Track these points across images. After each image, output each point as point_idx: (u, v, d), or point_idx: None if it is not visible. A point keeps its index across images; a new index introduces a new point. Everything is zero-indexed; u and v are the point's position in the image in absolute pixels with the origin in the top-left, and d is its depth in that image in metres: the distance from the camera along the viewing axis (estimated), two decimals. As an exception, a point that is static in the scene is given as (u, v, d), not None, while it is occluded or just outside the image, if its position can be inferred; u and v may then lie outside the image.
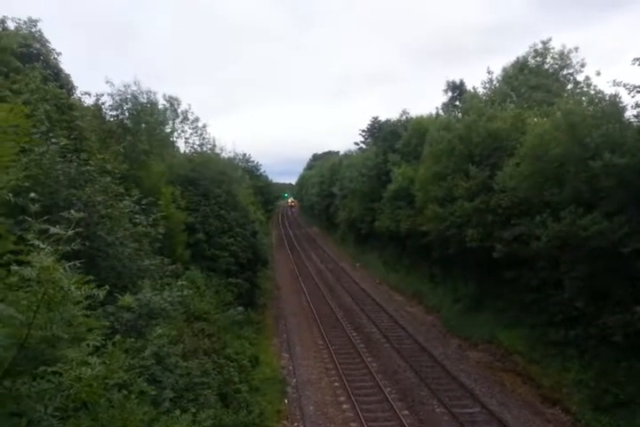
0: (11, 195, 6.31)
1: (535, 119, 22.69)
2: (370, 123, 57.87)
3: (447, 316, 26.12)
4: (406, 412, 16.33)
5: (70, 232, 4.17)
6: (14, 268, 3.92)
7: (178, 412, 6.20)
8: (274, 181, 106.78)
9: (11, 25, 15.23)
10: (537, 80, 29.88)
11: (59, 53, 16.42)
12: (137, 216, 11.83)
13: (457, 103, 37.42)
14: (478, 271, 25.02)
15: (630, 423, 14.16)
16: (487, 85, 33.49)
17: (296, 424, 15.96)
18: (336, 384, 18.75)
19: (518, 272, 20.38)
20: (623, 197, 15.65)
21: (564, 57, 31.33)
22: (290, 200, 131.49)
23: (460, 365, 20.40)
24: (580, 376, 16.56)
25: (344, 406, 16.94)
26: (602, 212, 16.10)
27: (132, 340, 6.85)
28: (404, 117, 43.14)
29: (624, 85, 15.97)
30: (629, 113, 16.92)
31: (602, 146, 15.97)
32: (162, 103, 31.25)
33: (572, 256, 17.36)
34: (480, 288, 24.88)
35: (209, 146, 34.94)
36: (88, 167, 10.36)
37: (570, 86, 30.66)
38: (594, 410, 15.35)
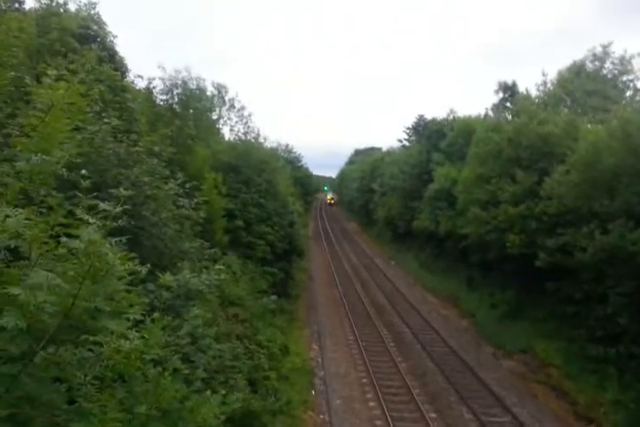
0: (64, 170, 6.51)
1: (589, 126, 21.91)
2: (415, 120, 57.08)
3: (482, 322, 25.57)
4: (433, 415, 16.12)
5: (119, 209, 4.24)
6: (64, 239, 4.00)
7: (209, 392, 6.25)
8: (314, 173, 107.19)
9: (72, 7, 15.67)
10: (594, 85, 28.80)
11: (115, 36, 16.78)
12: (180, 199, 12.03)
13: (507, 105, 36.51)
14: (518, 279, 24.41)
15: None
16: (541, 88, 32.64)
17: (322, 416, 16.01)
18: (364, 380, 18.67)
19: (560, 283, 19.79)
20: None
21: (624, 62, 30.01)
22: (329, 197, 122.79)
23: (493, 373, 19.92)
24: (619, 396, 15.94)
25: (370, 403, 16.86)
26: (653, 226, 15.46)
27: (170, 318, 6.95)
28: (450, 117, 42.41)
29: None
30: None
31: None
32: (210, 90, 31.75)
33: (618, 270, 16.77)
34: (519, 296, 24.27)
35: (253, 134, 35.30)
36: (137, 148, 10.57)
37: (629, 93, 29.42)
38: (632, 433, 14.77)
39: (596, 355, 17.56)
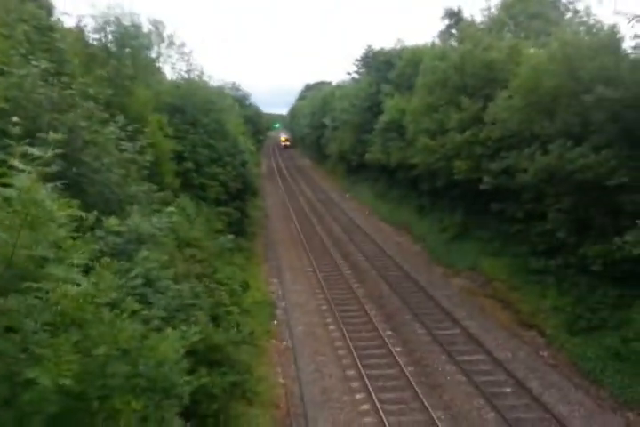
0: (-12, 117, 6.23)
1: (531, 50, 22.02)
2: (364, 52, 55.59)
3: (433, 245, 26.82)
4: (390, 333, 17.30)
5: (50, 153, 4.15)
6: (-3, 188, 3.95)
7: (169, 330, 6.46)
8: (265, 111, 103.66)
9: None
10: (536, 8, 28.63)
11: (34, -30, 15.28)
12: (123, 143, 11.70)
13: (454, 32, 36.02)
14: (465, 203, 25.44)
15: (599, 345, 15.16)
16: (485, 13, 32.10)
17: (285, 343, 16.91)
18: (323, 307, 19.63)
19: (504, 204, 20.75)
20: (613, 131, 15.65)
21: (566, -18, 29.79)
22: (283, 137, 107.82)
23: (443, 291, 21.26)
24: (557, 303, 17.36)
25: (331, 327, 17.87)
26: (590, 145, 16.15)
27: (122, 263, 7.01)
28: (398, 46, 41.57)
29: (624, 14, 15.42)
30: (627, 44, 16.50)
31: (596, 79, 15.74)
32: (146, 27, 29.72)
33: (557, 189, 17.63)
34: (466, 219, 25.41)
35: (196, 73, 33.72)
36: (70, 91, 10.09)
37: (569, 15, 29.45)
38: (568, 333, 16.29)
39: (538, 267, 18.88)
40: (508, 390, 13.87)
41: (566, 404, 13.26)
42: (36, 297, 3.81)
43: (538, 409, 12.96)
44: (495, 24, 28.89)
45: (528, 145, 18.75)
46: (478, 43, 23.99)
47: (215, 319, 12.43)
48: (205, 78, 34.08)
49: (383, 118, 35.82)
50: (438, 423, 12.24)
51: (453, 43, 30.92)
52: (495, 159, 20.79)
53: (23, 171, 4.04)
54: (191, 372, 7.68)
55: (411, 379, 14.16)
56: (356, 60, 57.45)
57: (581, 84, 16.39)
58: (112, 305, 4.88)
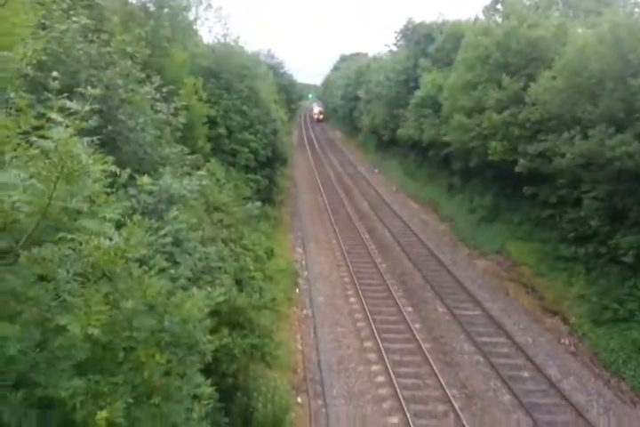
0: (29, 68, 6.28)
1: (579, 30, 21.05)
2: (404, 24, 53.98)
3: (460, 225, 26.51)
4: (410, 309, 17.33)
5: (87, 107, 4.16)
6: (34, 139, 4.01)
7: (195, 289, 6.56)
8: (298, 80, 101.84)
9: None
10: (587, -14, 27.21)
11: None
12: (158, 104, 11.75)
13: (499, 7, 34.54)
14: (497, 185, 24.96)
15: (624, 337, 14.85)
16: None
17: (305, 311, 17.14)
18: (346, 280, 19.75)
19: (538, 188, 20.30)
20: (659, 119, 14.99)
21: (621, -41, 27.97)
22: (316, 110, 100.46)
23: (467, 271, 21.09)
24: (584, 291, 17.06)
25: (351, 299, 18.01)
26: (633, 133, 15.62)
27: (152, 221, 7.11)
28: (440, 20, 40.22)
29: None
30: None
31: (645, 63, 15.01)
32: (184, -13, 29.30)
33: (594, 176, 17.15)
34: (497, 201, 24.97)
35: (232, 38, 33.33)
36: (109, 49, 10.12)
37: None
38: (592, 323, 16.05)
39: (567, 255, 18.55)
40: (526, 374, 13.82)
41: (585, 393, 13.17)
42: (70, 248, 3.90)
43: (555, 396, 12.89)
44: (543, 1, 27.57)
45: (568, 129, 18.14)
46: (524, 19, 23.10)
47: (239, 283, 12.60)
48: (241, 44, 33.72)
49: (419, 93, 35.04)
50: (452, 401, 12.32)
51: (498, 18, 29.73)
52: (533, 142, 20.24)
53: (61, 124, 4.07)
54: (214, 331, 7.87)
55: (428, 355, 14.24)
56: (396, 32, 55.94)
57: (630, 67, 15.73)
58: (141, 261, 4.97)
